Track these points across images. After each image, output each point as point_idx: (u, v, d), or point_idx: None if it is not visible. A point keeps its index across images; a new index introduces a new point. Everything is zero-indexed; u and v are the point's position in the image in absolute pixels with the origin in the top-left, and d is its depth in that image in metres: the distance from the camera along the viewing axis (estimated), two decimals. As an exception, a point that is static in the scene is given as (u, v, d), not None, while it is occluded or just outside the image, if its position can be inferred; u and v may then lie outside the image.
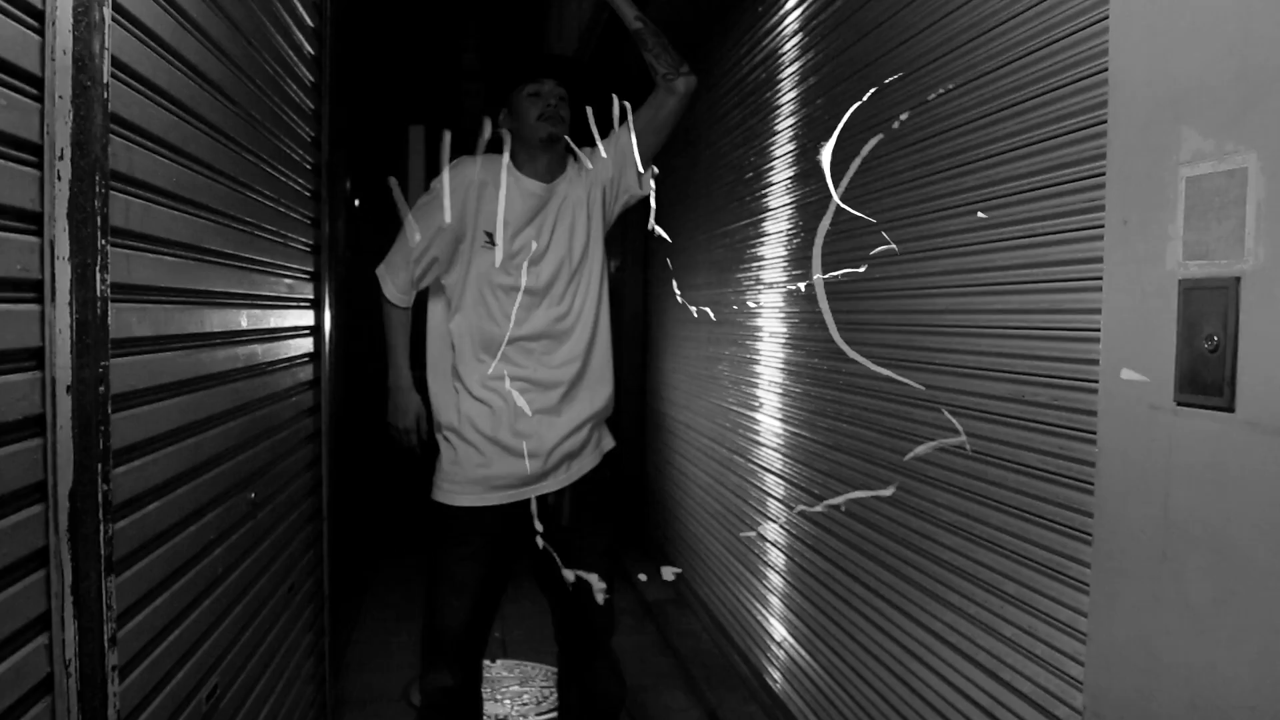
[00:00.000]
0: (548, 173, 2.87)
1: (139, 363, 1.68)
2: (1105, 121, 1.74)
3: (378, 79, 6.97)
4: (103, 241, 1.41)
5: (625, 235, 6.88)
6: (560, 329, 2.82)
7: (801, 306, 3.62)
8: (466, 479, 2.76)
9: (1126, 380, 1.64)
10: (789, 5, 3.77)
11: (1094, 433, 1.76)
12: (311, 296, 3.16)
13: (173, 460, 1.87)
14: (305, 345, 3.09)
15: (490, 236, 2.78)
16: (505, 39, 8.85)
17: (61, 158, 1.32)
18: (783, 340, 3.84)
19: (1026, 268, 2.10)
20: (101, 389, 1.42)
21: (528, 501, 2.72)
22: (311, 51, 3.16)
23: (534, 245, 2.79)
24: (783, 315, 3.84)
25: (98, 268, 1.39)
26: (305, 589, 3.12)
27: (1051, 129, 2.00)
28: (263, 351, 2.53)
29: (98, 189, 1.40)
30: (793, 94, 3.74)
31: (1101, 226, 1.77)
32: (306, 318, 3.11)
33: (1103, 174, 1.78)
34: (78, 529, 1.36)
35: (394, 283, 2.87)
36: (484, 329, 2.79)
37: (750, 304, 4.29)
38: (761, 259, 4.15)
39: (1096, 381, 1.78)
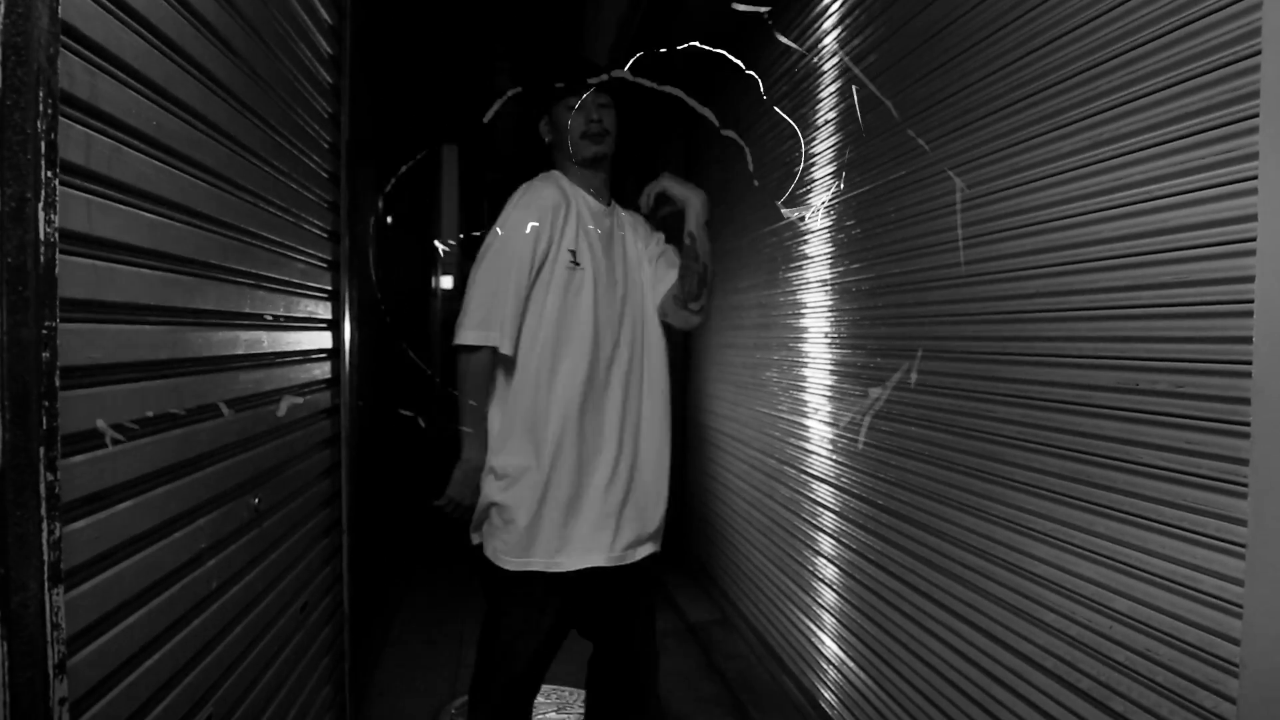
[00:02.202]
0: (601, 194, 2.77)
1: (106, 333, 1.43)
2: (1258, 51, 1.46)
3: (411, 97, 6.81)
4: (48, 173, 1.16)
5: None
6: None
7: (861, 303, 3.33)
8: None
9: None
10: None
11: (1244, 423, 1.47)
12: (329, 316, 2.92)
13: (152, 453, 1.61)
14: (323, 340, 2.83)
15: (574, 255, 2.61)
16: (539, 56, 8.74)
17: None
18: (838, 341, 3.56)
19: (1137, 238, 1.81)
20: (45, 355, 1.16)
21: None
22: (330, 51, 2.92)
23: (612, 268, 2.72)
24: (839, 314, 3.56)
25: (39, 205, 1.13)
26: (322, 608, 2.86)
27: (1173, 74, 1.71)
28: (268, 339, 2.27)
29: (42, 108, 1.14)
30: (840, 82, 3.48)
31: (1248, 180, 1.49)
32: (324, 320, 2.87)
33: (1251, 117, 1.50)
34: (7, 527, 1.10)
35: (488, 325, 2.54)
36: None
37: (802, 303, 4.01)
38: (811, 257, 3.88)
39: (1242, 362, 1.50)
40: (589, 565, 2.60)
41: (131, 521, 1.53)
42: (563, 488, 2.56)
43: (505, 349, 2.53)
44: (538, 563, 2.56)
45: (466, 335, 2.52)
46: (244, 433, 2.09)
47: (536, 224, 2.53)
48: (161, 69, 1.63)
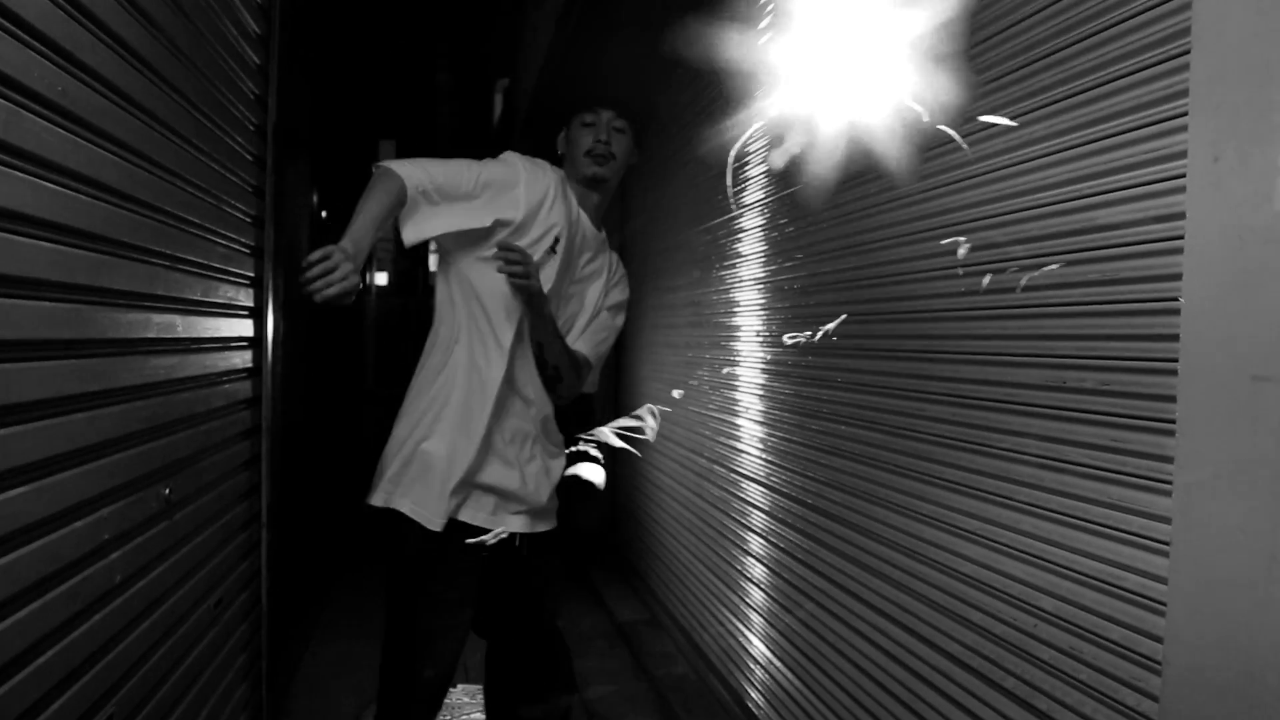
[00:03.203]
0: (595, 219, 2.70)
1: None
2: (1187, 51, 1.45)
3: (349, 91, 6.71)
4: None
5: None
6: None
7: (793, 301, 3.32)
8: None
9: (1217, 350, 1.34)
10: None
11: (1170, 420, 1.47)
12: (251, 304, 2.83)
13: (50, 436, 1.54)
14: (244, 327, 2.75)
15: (556, 244, 2.52)
16: (479, 57, 8.68)
17: None
18: (770, 339, 3.55)
19: (1065, 236, 1.81)
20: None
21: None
22: (257, 29, 2.84)
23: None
24: (771, 312, 3.55)
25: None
26: (239, 603, 2.77)
27: (1102, 74, 1.71)
28: (183, 324, 2.19)
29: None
30: (776, 88, 3.46)
31: (1177, 178, 1.49)
32: (245, 308, 2.78)
33: (1178, 116, 1.50)
34: None
35: (415, 171, 2.33)
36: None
37: (735, 302, 3.99)
38: (744, 255, 3.86)
39: (1168, 360, 1.50)
40: (512, 530, 2.50)
41: (25, 509, 1.45)
42: (483, 449, 2.44)
43: (405, 176, 2.30)
44: (466, 514, 2.44)
45: (389, 164, 2.36)
46: (154, 419, 2.01)
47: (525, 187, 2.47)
48: (67, 31, 1.56)
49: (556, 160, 2.68)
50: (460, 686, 4.12)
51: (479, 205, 2.41)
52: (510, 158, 2.55)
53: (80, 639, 1.66)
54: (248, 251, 2.76)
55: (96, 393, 1.73)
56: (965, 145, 2.11)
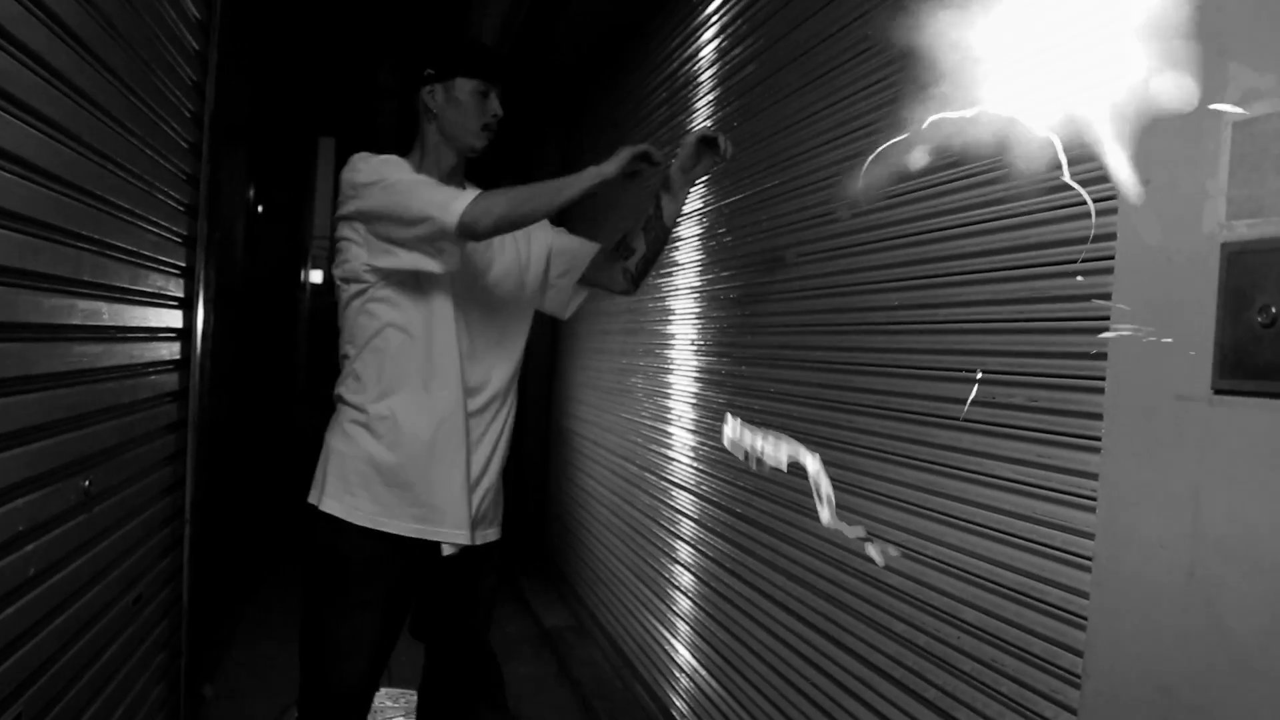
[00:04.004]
0: (449, 177, 2.41)
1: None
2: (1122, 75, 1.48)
3: (289, 86, 6.62)
4: None
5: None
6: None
7: (729, 311, 3.34)
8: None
9: (1143, 369, 1.37)
10: (718, 2, 3.51)
11: (1095, 437, 1.50)
12: (181, 295, 2.77)
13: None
14: (173, 318, 2.70)
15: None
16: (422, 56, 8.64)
17: None
18: (704, 348, 3.56)
19: (998, 254, 1.83)
20: None
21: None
22: (197, 15, 2.79)
23: None
24: (706, 321, 3.56)
25: None
26: (158, 601, 2.71)
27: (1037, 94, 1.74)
28: (109, 312, 2.14)
29: None
30: (717, 91, 3.48)
31: (1108, 199, 1.51)
32: (175, 298, 2.72)
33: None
34: None
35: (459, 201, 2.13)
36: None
37: (671, 310, 4.00)
38: (681, 264, 3.87)
39: (1095, 378, 1.53)
40: (456, 542, 2.35)
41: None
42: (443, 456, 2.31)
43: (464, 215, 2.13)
44: (404, 527, 2.29)
45: (454, 208, 2.11)
46: (76, 409, 1.97)
47: None
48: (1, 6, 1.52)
49: (410, 123, 2.45)
50: (384, 690, 4.07)
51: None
52: (384, 163, 2.29)
53: (-9, 631, 1.61)
54: (179, 241, 2.71)
55: (16, 378, 1.69)
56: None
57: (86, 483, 2.03)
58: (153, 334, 2.51)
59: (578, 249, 2.61)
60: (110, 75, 2.05)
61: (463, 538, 2.32)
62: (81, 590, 2.05)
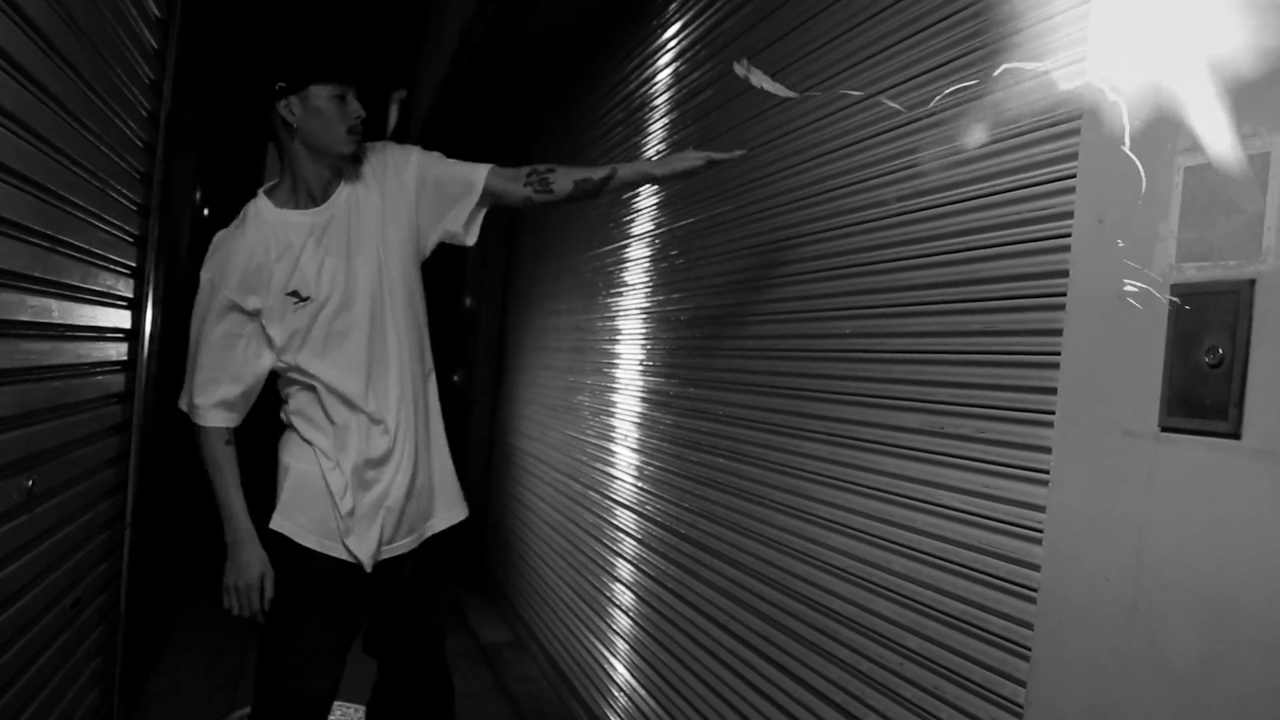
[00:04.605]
0: (327, 189, 2.37)
1: None
2: (1079, 116, 1.52)
3: (239, 91, 6.56)
4: None
5: (487, 256, 6.62)
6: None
7: (678, 333, 3.35)
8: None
9: (1092, 405, 1.40)
10: (677, 26, 3.55)
11: (1043, 470, 1.53)
12: (130, 295, 2.73)
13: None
14: (121, 318, 2.66)
15: (298, 294, 2.30)
16: (379, 58, 8.59)
17: None
18: (652, 369, 3.57)
19: (951, 286, 1.87)
20: None
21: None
22: (157, 14, 2.77)
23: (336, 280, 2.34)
24: (655, 342, 3.58)
25: None
26: (95, 606, 2.66)
27: (997, 131, 1.78)
28: (59, 309, 2.11)
29: None
30: (674, 115, 3.51)
31: (1062, 237, 1.55)
32: (124, 298, 2.68)
33: (1067, 178, 1.57)
34: None
35: (208, 390, 2.30)
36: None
37: (619, 330, 4.01)
38: (631, 284, 3.89)
39: (1044, 411, 1.57)
40: (393, 554, 2.39)
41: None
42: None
43: (224, 422, 2.34)
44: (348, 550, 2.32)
45: (182, 401, 2.36)
46: (22, 406, 1.93)
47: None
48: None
49: (271, 136, 2.37)
50: (337, 705, 4.02)
51: (250, 327, 2.30)
52: (205, 279, 2.29)
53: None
54: (130, 240, 2.68)
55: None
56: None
57: (30, 482, 1.99)
58: (101, 334, 2.47)
59: (467, 175, 2.51)
60: (70, 70, 2.03)
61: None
62: (20, 592, 2.01)
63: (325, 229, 2.33)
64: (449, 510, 2.53)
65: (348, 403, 2.32)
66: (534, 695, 4.35)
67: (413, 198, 2.45)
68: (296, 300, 2.28)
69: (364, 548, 2.32)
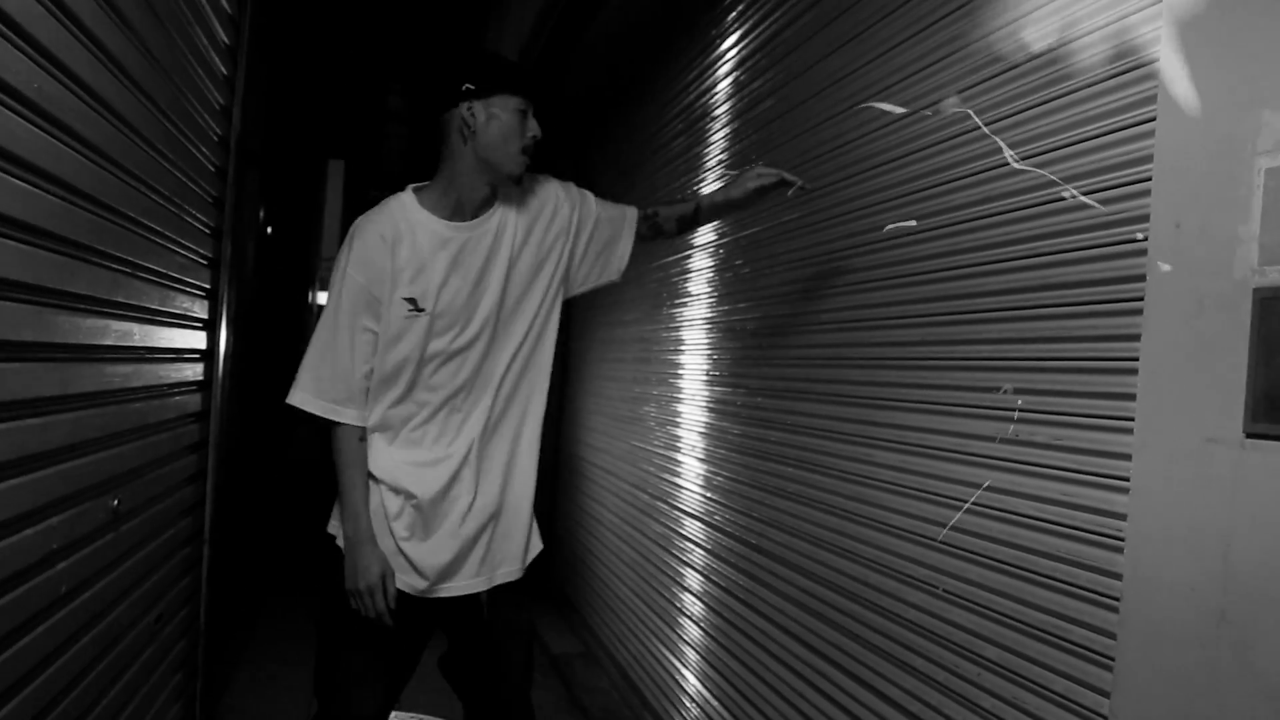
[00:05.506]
0: (480, 208, 2.33)
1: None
2: (1153, 119, 1.50)
3: (300, 108, 6.68)
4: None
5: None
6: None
7: (744, 343, 3.35)
8: None
9: (1173, 411, 1.38)
10: (737, 35, 3.55)
11: (1123, 478, 1.51)
12: (205, 316, 2.79)
13: (3, 442, 1.50)
14: (197, 339, 2.71)
15: (415, 303, 2.26)
16: (432, 78, 8.72)
17: None
18: (718, 379, 3.57)
19: (1024, 292, 1.85)
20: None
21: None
22: (227, 40, 2.83)
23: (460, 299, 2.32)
24: (721, 352, 3.58)
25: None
26: (178, 620, 2.72)
27: (1068, 135, 1.76)
28: (140, 333, 2.16)
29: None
30: (735, 124, 3.51)
31: (1137, 240, 1.53)
32: (199, 320, 2.74)
33: (1143, 180, 1.54)
34: None
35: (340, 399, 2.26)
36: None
37: (684, 340, 4.02)
38: (695, 295, 3.89)
39: (1123, 418, 1.54)
40: (463, 592, 2.37)
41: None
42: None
43: (355, 420, 2.28)
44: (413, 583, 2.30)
45: (295, 395, 2.31)
46: (107, 428, 1.98)
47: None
48: (47, 29, 1.55)
49: (433, 146, 2.35)
50: (394, 714, 4.06)
51: (381, 325, 2.26)
52: (343, 271, 2.26)
53: (25, 650, 1.62)
54: (204, 263, 2.74)
55: (52, 398, 1.71)
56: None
57: (115, 501, 2.04)
58: (179, 355, 2.53)
59: (621, 215, 2.56)
60: (147, 99, 2.08)
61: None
62: (108, 609, 2.06)
63: (463, 247, 2.28)
64: (518, 562, 2.52)
65: (419, 428, 2.31)
66: (605, 707, 4.36)
67: (575, 240, 2.46)
68: (411, 308, 2.24)
69: (416, 579, 2.30)
